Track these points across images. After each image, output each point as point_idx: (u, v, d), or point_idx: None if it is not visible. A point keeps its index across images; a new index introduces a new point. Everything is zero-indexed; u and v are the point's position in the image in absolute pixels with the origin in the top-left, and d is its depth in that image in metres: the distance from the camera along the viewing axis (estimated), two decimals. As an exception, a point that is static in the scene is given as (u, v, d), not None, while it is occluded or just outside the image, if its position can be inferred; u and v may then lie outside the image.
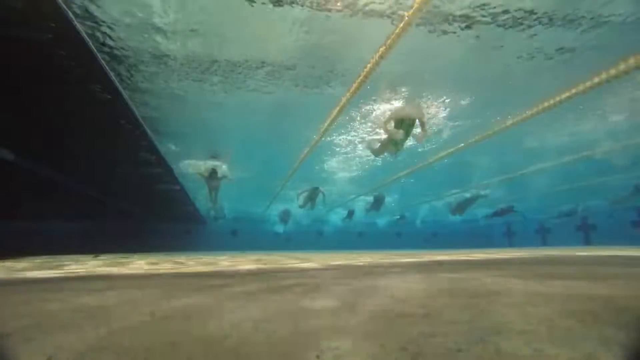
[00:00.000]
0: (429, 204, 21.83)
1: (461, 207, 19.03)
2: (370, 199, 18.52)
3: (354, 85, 5.50)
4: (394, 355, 1.03)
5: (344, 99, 6.05)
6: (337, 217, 24.41)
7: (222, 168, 12.69)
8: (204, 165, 12.48)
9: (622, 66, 5.27)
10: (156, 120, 8.87)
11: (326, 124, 7.22)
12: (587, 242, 23.14)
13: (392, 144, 8.25)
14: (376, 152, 9.44)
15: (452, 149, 9.23)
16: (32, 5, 4.28)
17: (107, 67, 5.86)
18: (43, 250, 9.40)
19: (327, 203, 17.03)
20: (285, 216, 21.55)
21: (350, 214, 22.40)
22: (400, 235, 28.27)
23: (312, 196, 15.39)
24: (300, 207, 16.78)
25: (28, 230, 11.45)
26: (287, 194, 16.48)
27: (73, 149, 8.46)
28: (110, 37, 5.78)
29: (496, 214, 19.51)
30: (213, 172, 12.10)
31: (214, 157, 12.26)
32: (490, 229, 28.32)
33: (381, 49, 4.63)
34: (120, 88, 6.45)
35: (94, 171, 10.12)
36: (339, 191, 17.09)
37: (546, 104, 5.64)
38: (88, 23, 5.33)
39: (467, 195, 18.02)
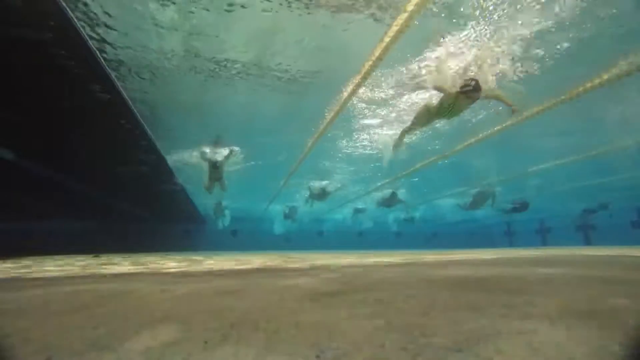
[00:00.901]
0: (434, 202, 21.13)
1: (479, 202, 17.74)
2: (383, 194, 17.47)
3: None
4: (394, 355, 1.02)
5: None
6: (338, 216, 24.21)
7: (225, 153, 11.19)
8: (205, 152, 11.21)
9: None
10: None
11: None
12: (588, 242, 23.16)
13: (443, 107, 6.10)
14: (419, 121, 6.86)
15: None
16: (32, 4, 4.28)
17: (107, 67, 5.86)
18: (43, 250, 9.41)
19: (336, 199, 16.35)
20: (291, 213, 20.88)
21: (358, 211, 21.63)
22: (400, 235, 28.29)
23: (320, 193, 14.97)
24: (307, 202, 16.23)
25: (28, 230, 11.44)
26: (293, 188, 16.22)
27: (73, 149, 8.46)
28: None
29: (515, 209, 18.05)
30: (216, 162, 10.63)
31: (217, 143, 11.06)
32: (490, 229, 28.36)
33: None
34: (120, 88, 6.44)
35: (94, 171, 10.11)
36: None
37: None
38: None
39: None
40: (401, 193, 17.31)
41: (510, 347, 1.05)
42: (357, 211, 21.81)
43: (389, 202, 17.26)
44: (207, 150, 11.08)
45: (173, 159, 11.61)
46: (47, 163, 8.89)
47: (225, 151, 10.80)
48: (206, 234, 23.63)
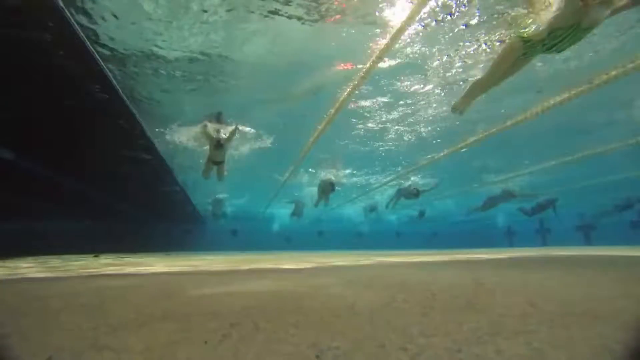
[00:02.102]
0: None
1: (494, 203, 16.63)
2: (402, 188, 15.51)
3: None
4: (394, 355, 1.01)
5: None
6: (338, 215, 23.94)
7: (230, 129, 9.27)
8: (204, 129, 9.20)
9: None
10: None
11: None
12: (588, 242, 23.14)
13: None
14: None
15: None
16: (30, 5, 4.26)
17: (105, 67, 5.84)
18: (43, 250, 9.40)
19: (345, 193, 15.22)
20: (298, 210, 19.38)
21: (372, 208, 19.90)
22: (399, 235, 28.30)
23: (326, 189, 13.54)
24: (315, 205, 14.97)
25: (28, 230, 11.43)
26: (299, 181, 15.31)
27: (73, 148, 8.45)
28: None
29: (534, 209, 17.28)
30: (218, 142, 8.67)
31: (219, 120, 9.14)
32: (490, 229, 28.33)
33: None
34: (118, 87, 6.43)
35: (94, 171, 10.10)
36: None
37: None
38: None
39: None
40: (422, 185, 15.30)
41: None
42: (371, 209, 20.04)
43: (409, 195, 15.01)
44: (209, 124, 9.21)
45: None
46: (47, 163, 8.88)
47: (229, 127, 9.11)
48: (206, 234, 23.63)
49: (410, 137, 11.01)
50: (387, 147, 12.03)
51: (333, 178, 13.85)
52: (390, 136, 11.02)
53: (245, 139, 10.43)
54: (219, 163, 9.31)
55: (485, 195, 16.82)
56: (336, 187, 13.39)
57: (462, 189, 17.38)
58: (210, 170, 9.58)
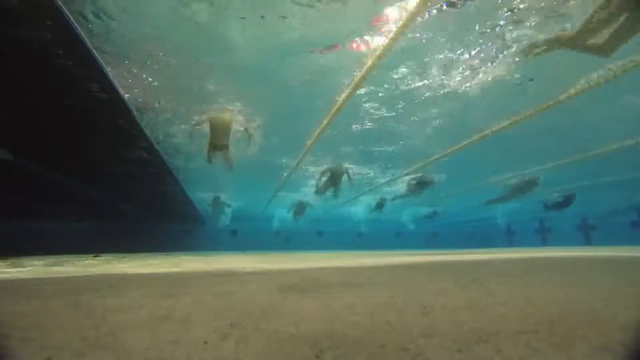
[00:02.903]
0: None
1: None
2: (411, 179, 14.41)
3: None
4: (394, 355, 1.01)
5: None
6: (339, 215, 23.77)
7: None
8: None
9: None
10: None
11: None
12: (588, 242, 23.13)
13: None
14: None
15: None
16: (29, 4, 4.25)
17: (104, 66, 5.84)
18: (43, 250, 9.40)
19: (355, 187, 13.75)
20: (299, 210, 18.51)
21: (381, 204, 18.64)
22: (399, 235, 28.24)
23: (335, 178, 11.91)
24: (317, 192, 13.25)
25: (28, 230, 11.43)
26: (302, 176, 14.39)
27: (72, 148, 8.44)
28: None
29: (558, 204, 16.30)
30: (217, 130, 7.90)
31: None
32: (490, 229, 28.29)
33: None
34: (117, 87, 6.42)
35: (94, 171, 10.10)
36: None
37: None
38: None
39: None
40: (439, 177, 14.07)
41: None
42: (379, 205, 18.81)
43: (420, 186, 13.99)
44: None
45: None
46: (47, 163, 8.87)
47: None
48: (206, 234, 23.61)
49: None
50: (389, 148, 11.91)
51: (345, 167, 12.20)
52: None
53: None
54: (222, 148, 8.39)
55: (487, 194, 16.71)
56: (346, 173, 11.81)
57: (465, 188, 17.23)
58: (213, 155, 8.67)
